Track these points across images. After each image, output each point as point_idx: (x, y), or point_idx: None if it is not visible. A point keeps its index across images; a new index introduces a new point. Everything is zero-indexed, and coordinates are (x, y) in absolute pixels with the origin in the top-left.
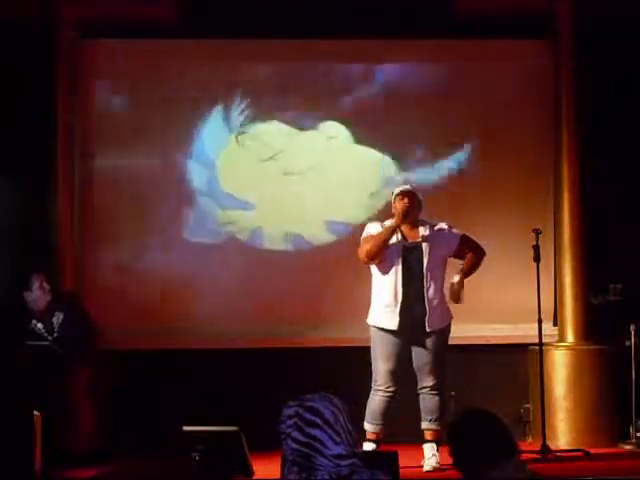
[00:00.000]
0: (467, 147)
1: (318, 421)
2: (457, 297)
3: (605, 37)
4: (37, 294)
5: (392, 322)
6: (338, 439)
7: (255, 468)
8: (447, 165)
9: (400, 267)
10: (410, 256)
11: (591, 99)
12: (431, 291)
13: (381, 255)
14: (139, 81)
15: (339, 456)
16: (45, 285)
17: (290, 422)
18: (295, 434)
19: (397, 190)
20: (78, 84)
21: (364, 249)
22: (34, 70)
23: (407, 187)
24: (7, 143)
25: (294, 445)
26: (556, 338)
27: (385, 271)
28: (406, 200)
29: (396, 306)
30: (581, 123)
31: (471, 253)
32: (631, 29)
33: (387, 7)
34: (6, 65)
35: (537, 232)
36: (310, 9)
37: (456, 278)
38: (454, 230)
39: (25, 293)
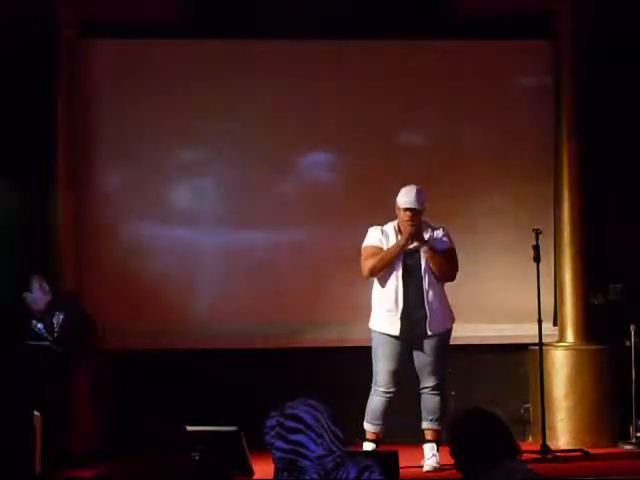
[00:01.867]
0: (467, 147)
1: (300, 427)
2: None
3: (605, 37)
4: (37, 295)
5: (394, 327)
6: (320, 440)
7: (255, 468)
8: (446, 165)
9: (400, 272)
10: (410, 260)
11: (591, 99)
12: (431, 294)
13: (384, 271)
14: (139, 81)
15: (323, 456)
16: (45, 286)
17: (273, 432)
18: (279, 443)
19: (402, 199)
20: (78, 84)
21: (367, 266)
22: (34, 70)
23: (413, 205)
24: (7, 144)
25: (279, 454)
26: (556, 338)
27: (386, 276)
28: (410, 215)
29: (397, 311)
30: (581, 123)
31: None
32: (631, 29)
33: (387, 7)
34: (6, 65)
35: (537, 232)
36: (310, 9)
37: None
38: (445, 239)
39: (25, 294)
